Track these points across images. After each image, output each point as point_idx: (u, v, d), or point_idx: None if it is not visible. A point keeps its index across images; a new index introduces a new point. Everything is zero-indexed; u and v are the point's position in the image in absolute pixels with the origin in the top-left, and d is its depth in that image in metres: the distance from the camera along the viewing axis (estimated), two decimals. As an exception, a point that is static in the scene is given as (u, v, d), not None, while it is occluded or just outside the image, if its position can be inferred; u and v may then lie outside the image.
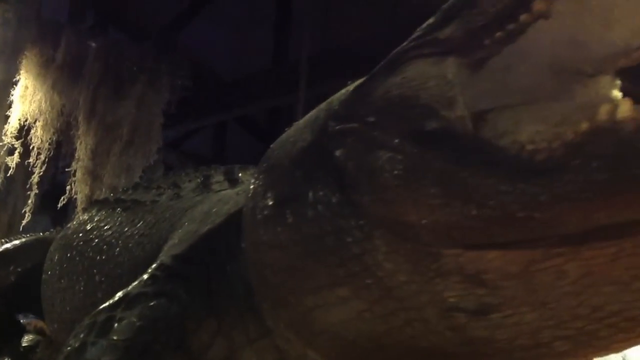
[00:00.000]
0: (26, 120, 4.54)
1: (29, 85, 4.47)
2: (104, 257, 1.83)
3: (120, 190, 2.54)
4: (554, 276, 0.95)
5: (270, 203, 1.27)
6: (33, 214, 4.86)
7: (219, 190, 1.78)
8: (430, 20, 1.14)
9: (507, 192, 0.94)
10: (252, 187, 1.35)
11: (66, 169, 4.42)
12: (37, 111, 4.42)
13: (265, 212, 1.28)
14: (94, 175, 4.28)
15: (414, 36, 1.16)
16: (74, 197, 4.26)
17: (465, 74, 1.10)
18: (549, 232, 0.93)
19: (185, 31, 7.92)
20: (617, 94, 1.20)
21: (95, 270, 1.84)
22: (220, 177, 1.93)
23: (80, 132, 4.33)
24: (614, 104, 0.87)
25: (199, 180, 1.95)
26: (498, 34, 1.01)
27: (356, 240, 1.14)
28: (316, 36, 6.74)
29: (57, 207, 4.66)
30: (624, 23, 1.10)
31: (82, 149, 4.33)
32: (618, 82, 1.19)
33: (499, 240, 0.98)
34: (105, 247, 1.86)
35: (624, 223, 0.86)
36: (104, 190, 4.07)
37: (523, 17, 0.97)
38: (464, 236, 1.01)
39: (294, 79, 4.99)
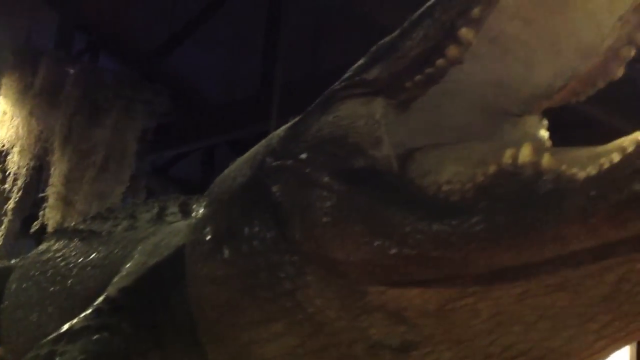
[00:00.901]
0: (3, 146, 4.56)
1: (7, 110, 4.50)
2: (57, 289, 1.83)
3: (81, 220, 2.56)
4: (467, 315, 0.97)
5: (208, 238, 1.29)
6: (18, 237, 4.84)
7: (173, 222, 1.80)
8: (360, 61, 1.17)
9: (422, 232, 0.97)
10: (194, 221, 1.37)
11: (40, 195, 4.43)
12: (14, 137, 4.44)
13: (204, 247, 1.29)
14: (66, 202, 4.29)
15: (345, 76, 1.19)
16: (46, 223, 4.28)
17: (393, 114, 1.13)
18: (461, 271, 0.95)
19: (176, 55, 7.97)
20: (544, 133, 1.24)
21: (49, 302, 1.85)
22: (175, 209, 1.94)
23: (54, 158, 4.34)
24: (517, 148, 0.89)
25: (154, 211, 1.97)
26: (417, 77, 1.04)
27: (289, 276, 1.16)
28: (306, 60, 6.80)
29: (39, 231, 4.65)
30: (545, 66, 1.13)
31: (56, 175, 4.33)
32: (545, 121, 1.23)
33: (418, 278, 1.00)
34: (59, 278, 1.87)
35: (528, 265, 0.88)
36: (75, 216, 4.08)
37: (439, 62, 1.00)
38: (386, 274, 1.03)
39: (283, 103, 5.02)
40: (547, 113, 1.21)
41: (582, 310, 0.88)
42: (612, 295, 0.85)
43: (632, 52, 1.06)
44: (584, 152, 0.89)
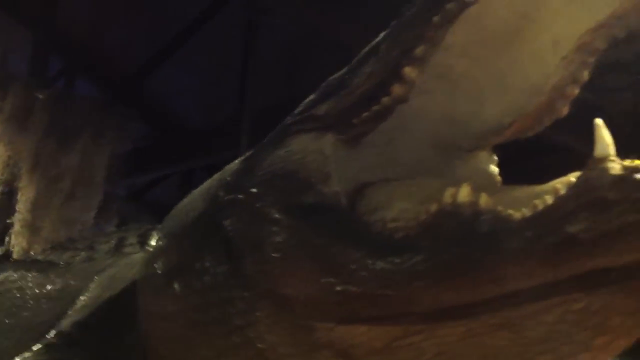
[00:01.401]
0: (-28, 171, 4.50)
1: (-25, 135, 4.45)
2: (13, 322, 1.80)
3: (42, 250, 2.52)
4: (413, 353, 0.97)
5: (160, 272, 1.27)
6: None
7: (131, 254, 1.78)
8: (312, 96, 1.17)
9: (367, 269, 0.97)
10: (147, 255, 1.36)
11: (7, 221, 4.37)
12: (-18, 162, 4.40)
13: (156, 282, 1.28)
14: (33, 229, 4.23)
15: (297, 111, 1.19)
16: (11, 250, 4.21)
17: (343, 150, 1.13)
18: (406, 310, 0.95)
19: (155, 78, 7.96)
20: (494, 169, 1.25)
21: (4, 336, 1.81)
22: (134, 239, 1.92)
23: (21, 184, 4.29)
24: (457, 187, 0.90)
25: (113, 242, 1.95)
26: (365, 114, 1.04)
27: (240, 312, 1.15)
28: (282, 84, 6.83)
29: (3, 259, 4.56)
30: (494, 103, 1.15)
31: (22, 201, 4.28)
32: (495, 157, 1.24)
33: (364, 316, 1.00)
34: (15, 310, 1.84)
35: (470, 304, 0.88)
36: (42, 244, 4.02)
37: (385, 100, 1.01)
38: (333, 311, 1.03)
39: (260, 127, 5.00)
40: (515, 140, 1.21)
41: (522, 350, 0.89)
42: (551, 335, 0.85)
43: (577, 91, 1.07)
44: (523, 191, 0.89)
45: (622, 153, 0.77)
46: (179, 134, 8.10)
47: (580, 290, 0.81)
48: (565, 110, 1.09)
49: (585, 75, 1.05)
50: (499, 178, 1.24)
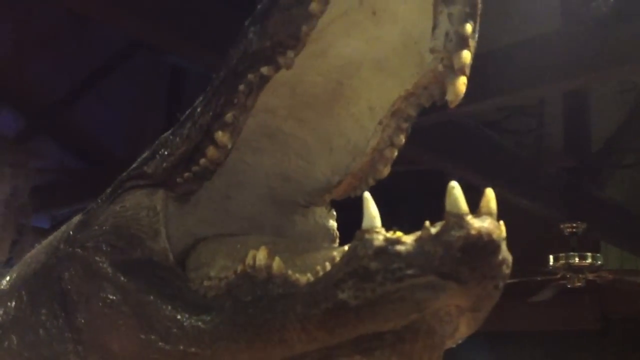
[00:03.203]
0: None
1: None
2: None
3: None
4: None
5: (-3, 325, 1.26)
6: None
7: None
8: (145, 154, 1.19)
9: (180, 327, 0.98)
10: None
11: None
12: None
13: (-7, 335, 1.27)
14: None
15: (132, 167, 1.21)
16: None
17: (175, 206, 1.15)
18: None
19: (80, 110, 7.87)
20: (332, 223, 1.29)
21: None
22: None
23: None
24: (257, 250, 0.93)
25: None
26: (186, 174, 1.07)
27: None
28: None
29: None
30: (323, 162, 1.19)
31: None
32: (333, 212, 1.28)
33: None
34: None
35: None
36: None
37: (202, 162, 1.04)
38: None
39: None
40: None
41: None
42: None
43: (395, 154, 1.12)
44: (317, 255, 0.93)
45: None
46: (106, 164, 8.01)
47: (358, 353, 0.84)
48: (386, 171, 1.14)
49: (402, 139, 1.11)
50: (336, 233, 1.28)
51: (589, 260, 5.78)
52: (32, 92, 7.83)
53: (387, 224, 0.82)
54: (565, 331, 9.42)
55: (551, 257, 5.86)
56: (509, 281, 0.83)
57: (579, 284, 5.93)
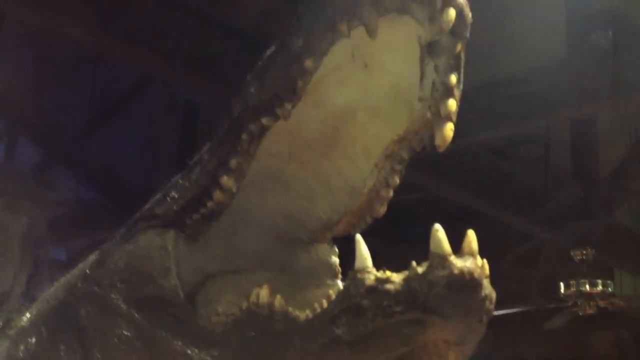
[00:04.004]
0: None
1: None
2: None
3: None
4: None
5: (17, 360, 1.33)
6: None
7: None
8: (157, 195, 1.27)
9: (190, 360, 1.05)
10: (6, 343, 1.41)
11: None
12: None
13: (12, 370, 1.34)
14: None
15: (145, 207, 1.29)
16: None
17: (184, 245, 1.23)
18: None
19: (97, 141, 7.98)
20: (335, 259, 1.36)
21: None
22: (19, 322, 1.95)
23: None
24: (259, 289, 1.00)
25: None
26: (195, 216, 1.15)
27: None
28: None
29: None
30: (323, 201, 1.26)
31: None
32: (335, 249, 1.35)
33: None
34: None
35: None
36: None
37: (210, 205, 1.12)
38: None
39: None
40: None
41: None
42: None
43: (391, 194, 1.19)
44: (314, 292, 1.00)
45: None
46: (121, 196, 8.11)
47: (355, 384, 0.90)
48: (382, 210, 1.21)
49: (397, 179, 1.18)
50: (338, 269, 1.35)
51: (600, 287, 5.76)
52: (49, 125, 7.97)
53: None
54: (581, 357, 9.34)
55: (562, 284, 5.85)
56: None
57: (591, 311, 5.90)
